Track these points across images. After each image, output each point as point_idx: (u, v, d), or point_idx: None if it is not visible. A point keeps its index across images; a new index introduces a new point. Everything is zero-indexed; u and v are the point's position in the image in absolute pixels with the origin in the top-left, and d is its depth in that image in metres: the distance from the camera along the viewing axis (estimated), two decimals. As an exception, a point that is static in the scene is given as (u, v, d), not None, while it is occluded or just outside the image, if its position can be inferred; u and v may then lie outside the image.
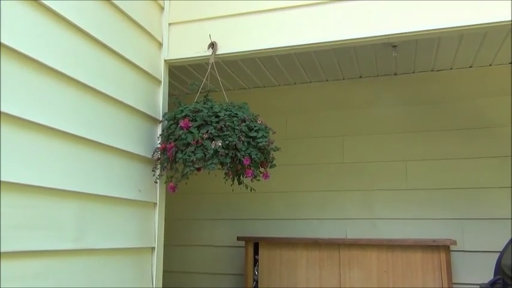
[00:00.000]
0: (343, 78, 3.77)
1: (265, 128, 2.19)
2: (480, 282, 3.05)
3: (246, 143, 2.07)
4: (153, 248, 2.25)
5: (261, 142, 2.08)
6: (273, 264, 3.30)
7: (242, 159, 2.04)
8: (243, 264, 3.46)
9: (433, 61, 3.38)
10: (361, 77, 3.73)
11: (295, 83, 3.89)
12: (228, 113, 2.12)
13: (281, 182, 3.74)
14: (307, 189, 3.72)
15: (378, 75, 3.68)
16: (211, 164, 2.00)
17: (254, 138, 2.10)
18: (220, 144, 2.01)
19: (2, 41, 1.45)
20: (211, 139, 2.03)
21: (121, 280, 1.98)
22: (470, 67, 3.47)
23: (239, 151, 2.04)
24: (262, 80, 3.81)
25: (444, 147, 3.45)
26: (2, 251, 1.39)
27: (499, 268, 2.84)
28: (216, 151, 2.00)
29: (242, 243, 3.45)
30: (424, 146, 3.50)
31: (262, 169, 2.22)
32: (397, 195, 3.51)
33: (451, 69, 3.52)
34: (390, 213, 3.50)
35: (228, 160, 2.02)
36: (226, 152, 2.02)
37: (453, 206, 3.35)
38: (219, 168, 2.08)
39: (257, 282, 3.31)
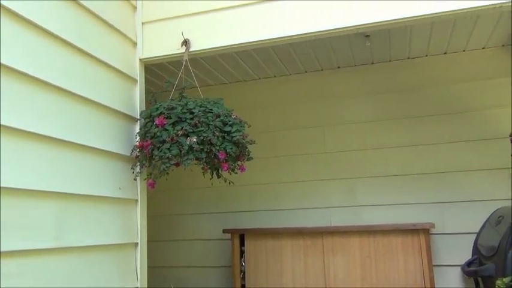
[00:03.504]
0: (322, 69, 3.82)
1: (240, 122, 2.23)
2: (460, 262, 3.14)
3: (220, 138, 2.12)
4: (136, 244, 2.30)
5: (236, 136, 2.14)
6: (259, 254, 3.36)
7: (217, 153, 2.09)
8: (230, 256, 3.53)
9: (408, 49, 3.44)
10: (339, 67, 3.78)
11: (274, 76, 3.94)
12: (202, 109, 2.16)
13: (265, 174, 3.81)
14: (291, 180, 3.78)
15: (355, 65, 3.74)
16: (186, 159, 2.05)
17: (229, 132, 2.15)
18: (195, 140, 2.06)
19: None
20: (186, 135, 2.08)
21: (105, 276, 2.03)
22: (445, 53, 3.54)
23: (214, 146, 2.09)
24: (241, 74, 3.86)
25: (422, 133, 3.52)
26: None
27: (476, 248, 2.93)
28: (191, 147, 2.05)
29: (229, 235, 3.52)
30: (403, 133, 3.57)
31: (239, 162, 2.28)
32: (379, 182, 3.58)
33: (426, 56, 3.58)
34: (373, 200, 3.57)
35: (204, 155, 2.08)
36: (201, 147, 2.07)
37: (433, 190, 3.43)
38: (195, 163, 2.14)
39: (244, 273, 3.38)
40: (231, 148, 2.13)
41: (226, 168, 2.15)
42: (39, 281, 1.66)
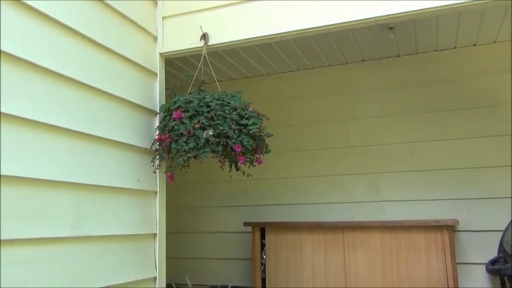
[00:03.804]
0: (346, 63, 3.77)
1: (257, 115, 2.23)
2: (486, 261, 3.05)
3: (237, 131, 2.13)
4: (154, 234, 2.35)
5: (252, 129, 2.14)
6: (279, 248, 3.37)
7: (234, 146, 2.11)
8: (251, 249, 3.55)
9: (435, 41, 3.34)
10: (363, 60, 3.72)
11: (298, 70, 3.91)
12: (219, 102, 2.18)
13: (288, 168, 3.81)
14: (314, 175, 3.76)
15: (380, 58, 3.67)
16: (203, 152, 2.07)
17: (245, 125, 2.15)
18: (211, 133, 2.08)
19: (-8, 44, 1.55)
20: (203, 128, 2.10)
21: (123, 265, 2.09)
22: (474, 45, 3.42)
23: (230, 139, 2.10)
24: (265, 67, 3.85)
25: (449, 127, 3.42)
26: (4, 238, 1.52)
27: (501, 246, 2.84)
28: (207, 140, 2.07)
29: (250, 228, 3.53)
30: (429, 127, 3.48)
31: (257, 155, 2.28)
32: (404, 177, 3.51)
33: (454, 48, 3.47)
34: (397, 196, 3.51)
35: (220, 148, 2.09)
36: (218, 140, 2.09)
37: (460, 186, 3.34)
38: (212, 156, 2.15)
39: (265, 266, 3.40)
40: (248, 141, 2.14)
41: (242, 161, 2.15)
42: (58, 268, 1.72)
